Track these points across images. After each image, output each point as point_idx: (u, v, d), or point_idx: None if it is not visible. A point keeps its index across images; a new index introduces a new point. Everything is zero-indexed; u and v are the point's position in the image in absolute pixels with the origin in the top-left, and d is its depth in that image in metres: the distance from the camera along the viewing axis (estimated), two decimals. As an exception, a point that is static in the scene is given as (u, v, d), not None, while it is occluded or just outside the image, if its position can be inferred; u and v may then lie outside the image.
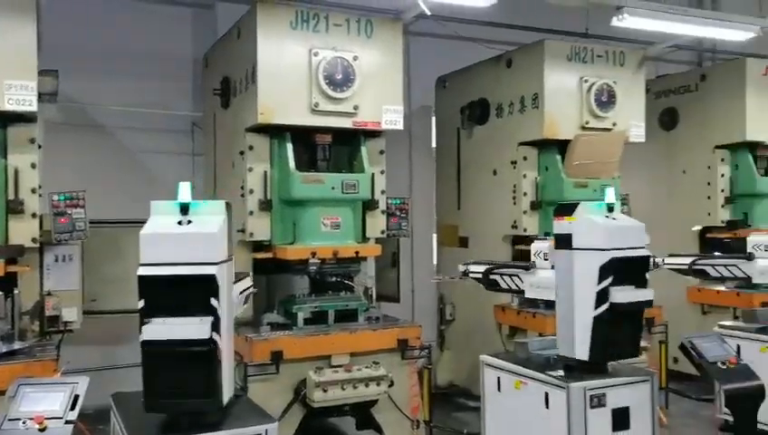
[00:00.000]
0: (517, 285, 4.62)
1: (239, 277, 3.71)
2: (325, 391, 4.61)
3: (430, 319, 7.47)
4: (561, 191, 5.96)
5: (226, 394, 3.16)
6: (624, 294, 4.01)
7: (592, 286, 3.99)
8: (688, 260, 5.93)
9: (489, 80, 6.61)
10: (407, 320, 5.55)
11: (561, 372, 4.33)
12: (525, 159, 6.22)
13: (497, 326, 6.43)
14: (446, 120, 7.26)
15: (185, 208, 3.08)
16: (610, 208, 4.23)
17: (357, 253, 5.17)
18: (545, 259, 4.46)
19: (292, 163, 5.02)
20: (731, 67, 7.31)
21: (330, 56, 4.99)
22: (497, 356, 4.92)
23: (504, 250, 6.43)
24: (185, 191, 3.10)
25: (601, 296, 3.97)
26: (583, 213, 4.13)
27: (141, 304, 2.95)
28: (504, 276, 4.69)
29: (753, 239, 5.77)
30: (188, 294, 2.95)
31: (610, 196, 4.24)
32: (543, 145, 6.17)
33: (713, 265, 5.86)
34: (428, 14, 5.13)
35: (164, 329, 2.93)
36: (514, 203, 6.25)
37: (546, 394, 4.31)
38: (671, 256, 6.03)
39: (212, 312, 2.96)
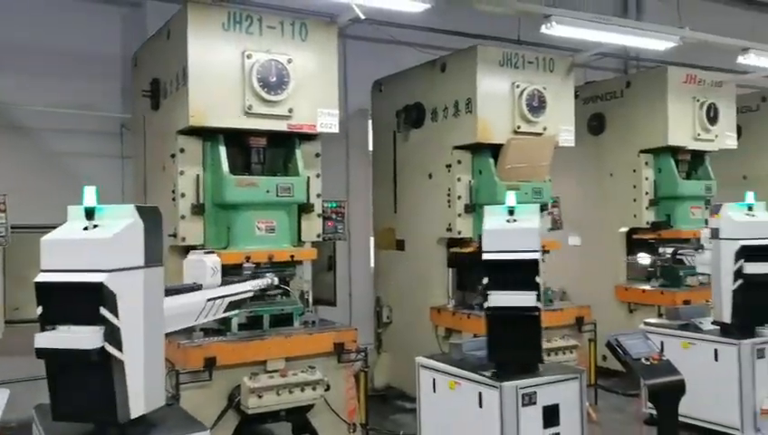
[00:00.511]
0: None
1: (231, 282, 3.73)
2: (260, 396, 4.55)
3: (368, 322, 7.50)
4: (494, 194, 6.06)
5: (148, 404, 3.06)
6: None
7: None
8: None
9: (424, 84, 6.69)
10: (343, 323, 5.53)
11: (494, 373, 4.43)
12: (460, 162, 6.31)
13: (433, 328, 6.51)
14: (383, 124, 7.30)
15: (90, 213, 2.98)
16: (511, 212, 4.44)
17: (292, 257, 5.14)
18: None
19: (225, 166, 4.95)
20: (653, 75, 7.62)
21: (263, 59, 4.94)
22: (432, 358, 4.98)
23: (440, 253, 6.51)
24: (89, 196, 3.00)
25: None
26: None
27: (39, 311, 2.88)
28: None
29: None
30: (81, 302, 2.85)
31: (510, 200, 4.42)
32: (477, 149, 6.28)
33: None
34: (362, 17, 5.14)
35: (54, 337, 2.85)
36: (449, 206, 6.33)
37: (480, 394, 4.40)
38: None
39: (104, 321, 2.85)
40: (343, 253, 7.62)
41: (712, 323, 5.92)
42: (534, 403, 4.32)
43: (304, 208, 5.39)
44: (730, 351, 5.59)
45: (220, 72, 4.86)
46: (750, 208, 5.70)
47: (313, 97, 5.18)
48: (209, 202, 5.08)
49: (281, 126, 5.09)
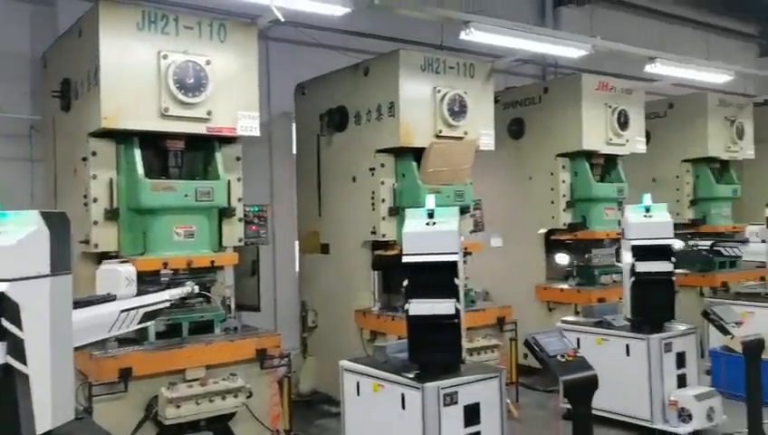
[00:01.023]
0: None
1: (152, 291, 3.62)
2: (178, 407, 4.43)
3: (293, 327, 7.44)
4: (417, 197, 6.12)
5: (56, 419, 2.90)
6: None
7: None
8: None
9: (347, 87, 6.69)
10: (267, 329, 5.46)
11: (417, 374, 4.47)
12: (383, 165, 6.35)
13: (359, 331, 6.52)
14: (306, 127, 7.26)
15: (-14, 220, 2.82)
16: (430, 214, 4.52)
17: (213, 262, 5.04)
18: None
19: (140, 170, 4.80)
20: (569, 81, 7.90)
21: (180, 60, 4.81)
22: (356, 361, 4.99)
23: (364, 256, 6.53)
24: (-15, 201, 2.85)
25: None
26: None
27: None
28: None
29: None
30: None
31: (430, 203, 4.52)
32: (400, 152, 6.33)
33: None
34: (282, 20, 5.09)
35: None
36: (373, 209, 6.36)
37: (402, 395, 4.43)
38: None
39: (6, 334, 2.70)
40: (268, 257, 7.51)
41: (624, 319, 6.20)
42: (456, 403, 4.39)
43: (225, 213, 5.29)
44: (640, 345, 5.86)
45: (134, 73, 4.71)
46: (647, 210, 5.99)
47: (233, 99, 5.10)
48: (124, 207, 4.91)
49: (199, 129, 4.98)
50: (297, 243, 7.63)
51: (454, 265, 4.46)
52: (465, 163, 6.34)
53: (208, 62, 4.94)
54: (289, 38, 7.81)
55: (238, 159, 5.40)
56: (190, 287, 4.56)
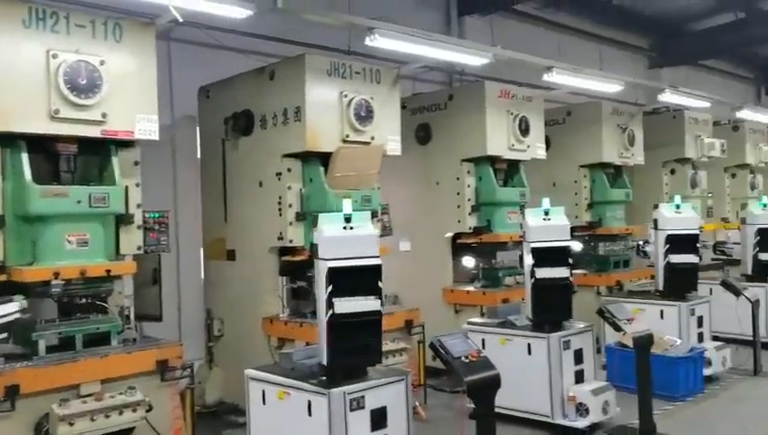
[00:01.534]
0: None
1: None
2: (71, 424, 4.21)
3: (199, 336, 7.23)
4: (325, 202, 6.11)
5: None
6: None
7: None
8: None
9: (253, 91, 6.58)
10: (168, 339, 5.27)
11: (324, 380, 4.45)
12: (290, 170, 6.29)
13: (266, 338, 6.42)
14: (211, 131, 7.07)
15: None
16: (348, 219, 4.53)
17: (108, 271, 4.81)
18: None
19: (28, 175, 4.53)
20: (473, 88, 8.11)
21: (71, 59, 4.58)
22: (261, 369, 4.92)
23: (272, 262, 6.44)
24: None
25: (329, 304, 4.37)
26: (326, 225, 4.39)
27: None
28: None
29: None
30: None
31: (347, 207, 4.53)
32: (307, 157, 6.29)
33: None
34: (180, 20, 4.95)
35: None
36: (280, 214, 6.28)
37: (309, 402, 4.41)
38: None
39: None
40: (171, 265, 7.29)
41: (526, 319, 6.42)
42: (362, 407, 4.41)
43: (123, 220, 5.07)
44: (541, 344, 6.08)
45: (20, 73, 4.44)
46: (546, 214, 6.24)
47: (130, 101, 4.90)
48: (10, 214, 4.62)
49: (93, 132, 4.76)
50: (202, 250, 7.43)
51: (379, 267, 4.49)
52: (373, 168, 6.38)
53: (102, 63, 4.73)
54: (192, 39, 7.61)
55: (137, 163, 5.20)
56: (18, 304, 4.28)
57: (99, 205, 4.72)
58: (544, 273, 6.13)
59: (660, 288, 7.81)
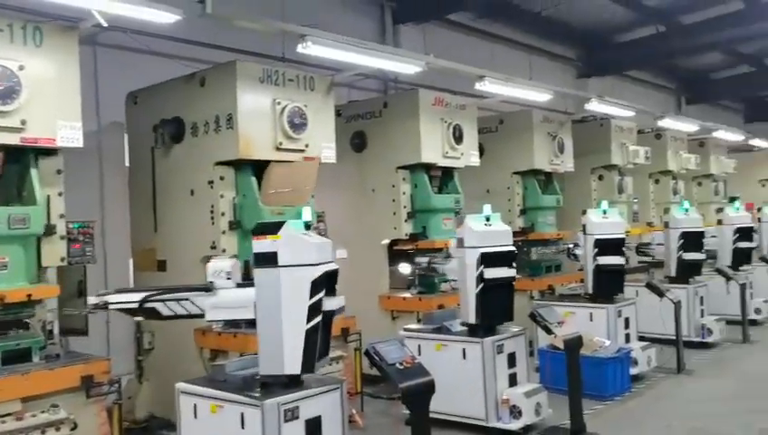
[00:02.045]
0: (189, 310, 4.54)
1: None
2: (-12, 446, 4.01)
3: (128, 350, 7.01)
4: (258, 215, 6.02)
5: None
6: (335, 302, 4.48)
7: (304, 301, 4.22)
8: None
9: (183, 98, 6.45)
10: (94, 354, 5.09)
11: (258, 391, 4.38)
12: (222, 178, 6.18)
13: (199, 351, 6.27)
14: (140, 138, 6.89)
15: None
16: (308, 226, 4.48)
17: (29, 296, 4.61)
18: (228, 278, 4.51)
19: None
20: (407, 96, 8.19)
21: (-13, 64, 4.39)
22: (192, 382, 4.79)
23: (204, 272, 6.27)
24: None
25: (314, 309, 4.25)
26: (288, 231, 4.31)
27: None
28: (169, 302, 4.55)
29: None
30: None
31: (306, 214, 4.49)
32: (240, 165, 6.20)
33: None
34: (105, 24, 4.81)
35: None
36: (213, 223, 6.17)
37: (242, 414, 4.32)
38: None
39: None
40: (98, 277, 7.02)
41: (461, 324, 6.50)
42: (297, 418, 4.36)
43: (45, 231, 4.87)
44: (475, 349, 6.17)
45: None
46: (488, 220, 6.35)
47: (52, 108, 4.73)
48: None
49: (12, 139, 4.57)
50: (131, 260, 7.21)
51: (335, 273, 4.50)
52: (308, 185, 6.33)
53: (21, 68, 4.54)
54: (121, 44, 7.41)
55: (59, 172, 5.01)
56: None
57: (18, 226, 4.55)
58: (493, 273, 6.21)
59: (590, 291, 8.04)
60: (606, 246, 7.90)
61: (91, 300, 4.53)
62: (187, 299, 4.48)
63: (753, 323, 10.87)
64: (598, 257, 7.89)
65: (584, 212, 8.23)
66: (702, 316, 9.78)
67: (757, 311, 11.11)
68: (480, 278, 6.20)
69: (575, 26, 14.43)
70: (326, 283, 4.41)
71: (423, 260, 7.59)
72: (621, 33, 15.18)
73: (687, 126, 13.22)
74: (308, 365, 4.31)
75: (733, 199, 12.91)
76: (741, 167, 15.48)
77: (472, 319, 6.31)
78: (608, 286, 8.03)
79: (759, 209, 12.98)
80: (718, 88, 19.55)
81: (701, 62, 18.07)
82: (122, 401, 5.09)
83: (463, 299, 6.40)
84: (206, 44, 8.12)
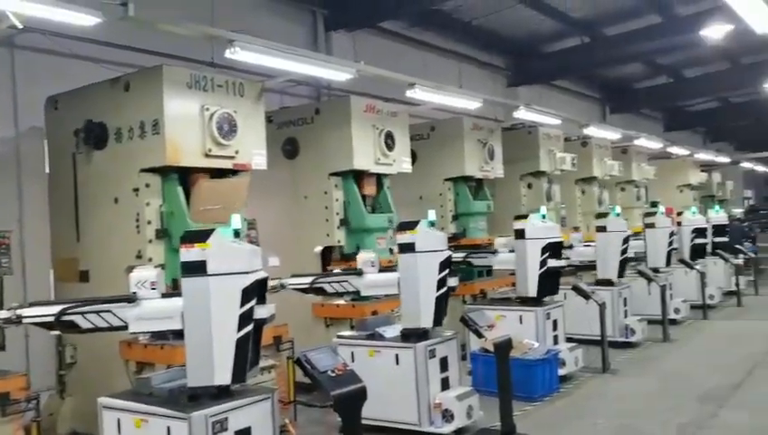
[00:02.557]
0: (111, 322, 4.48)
1: None
2: None
3: (49, 364, 6.72)
4: (186, 217, 5.90)
5: None
6: (266, 310, 4.42)
7: (235, 309, 4.17)
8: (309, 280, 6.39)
9: (106, 102, 6.24)
10: (11, 370, 4.85)
11: (185, 404, 4.27)
12: (148, 186, 6.01)
13: (124, 364, 6.06)
14: (61, 144, 6.62)
15: None
16: (237, 234, 4.43)
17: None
18: (153, 288, 4.43)
19: None
20: (339, 103, 8.19)
21: None
22: (116, 396, 4.65)
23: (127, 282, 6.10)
24: None
25: (245, 317, 4.21)
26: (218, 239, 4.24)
27: None
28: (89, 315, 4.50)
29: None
30: None
31: (236, 222, 4.43)
32: (167, 171, 6.05)
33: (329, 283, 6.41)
34: (20, 26, 4.61)
35: None
36: (138, 232, 5.99)
37: (168, 428, 4.22)
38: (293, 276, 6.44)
39: None
40: (17, 288, 6.67)
41: (402, 330, 6.49)
42: (226, 429, 4.28)
43: (-44, 241, 4.63)
44: (408, 354, 6.21)
45: None
46: (432, 225, 6.43)
47: (-37, 112, 4.50)
48: None
49: None
50: (52, 271, 6.91)
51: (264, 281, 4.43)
52: (238, 201, 6.23)
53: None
54: (40, 47, 7.13)
55: (-29, 179, 4.77)
56: None
57: None
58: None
59: (533, 295, 8.09)
60: (546, 249, 8.04)
61: (2, 314, 4.31)
62: (108, 311, 4.34)
63: (673, 322, 11.36)
64: (540, 260, 8.00)
65: (519, 217, 8.33)
66: (626, 317, 10.14)
67: (676, 311, 11.62)
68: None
69: (504, 36, 14.79)
70: (257, 291, 4.35)
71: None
72: (548, 44, 15.66)
73: (611, 134, 13.74)
74: (239, 375, 4.26)
75: (654, 204, 13.51)
76: (661, 173, 16.23)
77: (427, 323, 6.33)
78: (547, 287, 8.18)
79: (679, 214, 13.60)
80: (640, 97, 20.43)
81: (624, 72, 18.85)
82: (42, 418, 4.87)
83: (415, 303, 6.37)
84: (131, 48, 7.90)
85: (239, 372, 4.25)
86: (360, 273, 6.30)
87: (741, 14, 6.42)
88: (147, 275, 4.43)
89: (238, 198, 6.20)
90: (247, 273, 4.27)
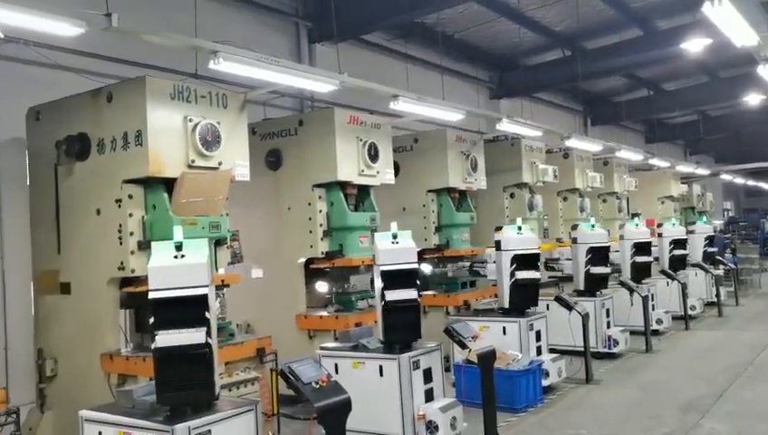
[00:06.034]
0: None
1: None
2: None
3: (29, 377, 6.63)
4: (169, 230, 5.83)
5: None
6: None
7: None
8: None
9: (88, 114, 6.21)
10: (-11, 384, 4.79)
11: (167, 416, 4.24)
12: (131, 197, 5.97)
13: (105, 377, 6.00)
14: (42, 156, 6.56)
15: None
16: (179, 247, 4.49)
17: None
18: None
19: None
20: (323, 115, 8.19)
21: None
22: (97, 409, 4.61)
23: (112, 294, 6.06)
24: None
25: None
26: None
27: None
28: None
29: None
30: None
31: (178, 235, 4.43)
32: (149, 183, 6.02)
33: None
34: (1, 36, 4.59)
35: None
36: (121, 243, 5.94)
37: (150, 441, 4.17)
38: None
39: None
40: (-4, 301, 6.65)
41: (378, 341, 6.51)
42: (209, 442, 4.25)
43: (-67, 253, 4.57)
44: (391, 365, 6.20)
45: None
46: (395, 237, 6.41)
47: (-58, 122, 4.45)
48: None
49: None
50: (32, 283, 6.83)
51: (204, 298, 4.35)
52: (220, 194, 6.22)
53: None
54: (22, 57, 7.09)
55: (-52, 191, 4.72)
56: None
57: None
58: (394, 295, 6.25)
59: (506, 305, 8.22)
60: (522, 261, 8.13)
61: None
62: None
63: (656, 332, 11.47)
64: (515, 272, 8.09)
65: (498, 229, 8.45)
66: (608, 328, 10.22)
67: (659, 321, 11.73)
68: (382, 297, 6.25)
69: (487, 49, 14.94)
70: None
71: (361, 278, 7.63)
72: (530, 57, 15.84)
73: (593, 146, 13.88)
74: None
75: (635, 216, 13.65)
76: (642, 185, 16.40)
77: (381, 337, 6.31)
78: (523, 299, 8.26)
79: (659, 225, 13.76)
80: (620, 110, 20.68)
81: (605, 85, 19.11)
82: (21, 432, 4.80)
83: (378, 317, 6.38)
84: (114, 59, 7.89)
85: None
86: None
87: (720, 27, 6.52)
88: None
89: (220, 191, 6.18)
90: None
